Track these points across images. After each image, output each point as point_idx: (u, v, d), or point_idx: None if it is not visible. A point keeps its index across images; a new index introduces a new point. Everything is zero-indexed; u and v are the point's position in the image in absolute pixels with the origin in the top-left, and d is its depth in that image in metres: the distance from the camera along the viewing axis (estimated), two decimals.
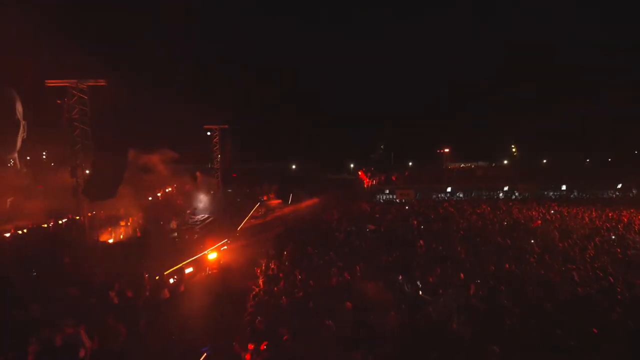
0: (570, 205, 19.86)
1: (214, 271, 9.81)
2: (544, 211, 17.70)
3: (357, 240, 12.75)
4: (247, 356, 5.83)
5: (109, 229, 12.79)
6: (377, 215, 17.85)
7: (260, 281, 9.03)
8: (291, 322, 6.77)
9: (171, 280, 8.90)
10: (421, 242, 11.95)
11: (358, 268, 9.49)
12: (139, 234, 12.14)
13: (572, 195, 25.31)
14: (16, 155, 14.47)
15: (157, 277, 7.87)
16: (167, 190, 23.75)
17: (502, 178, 26.94)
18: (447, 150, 30.68)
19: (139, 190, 16.03)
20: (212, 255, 12.17)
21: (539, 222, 15.01)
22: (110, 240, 12.05)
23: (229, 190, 26.57)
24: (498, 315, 6.49)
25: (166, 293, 6.95)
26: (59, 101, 8.65)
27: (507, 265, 9.72)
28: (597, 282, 8.24)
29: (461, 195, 25.80)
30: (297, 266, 10.09)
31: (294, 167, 49.73)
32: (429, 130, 43.67)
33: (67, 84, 8.48)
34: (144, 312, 5.84)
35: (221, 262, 10.49)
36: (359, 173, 32.38)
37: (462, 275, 8.70)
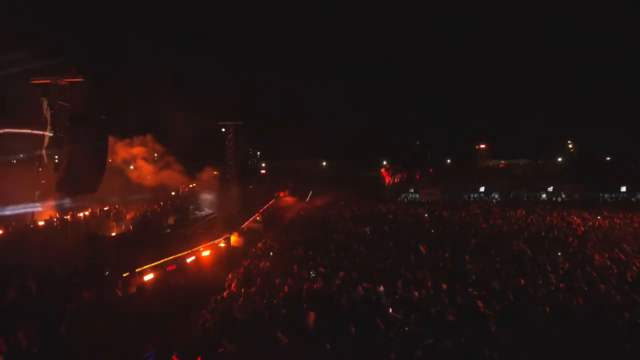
0: (627, 211, 16.64)
1: (194, 270, 9.52)
2: (589, 216, 15.03)
3: (356, 244, 11.77)
4: None
5: (113, 223, 13.28)
6: (391, 216, 16.58)
7: (234, 284, 8.54)
8: (243, 333, 6.19)
9: (146, 278, 8.73)
10: (423, 248, 10.64)
11: (341, 275, 8.62)
12: (131, 229, 12.40)
13: (633, 199, 21.36)
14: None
15: (125, 275, 7.75)
16: (190, 186, 24.48)
17: (545, 177, 23.63)
18: (483, 146, 27.81)
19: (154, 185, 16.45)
20: (205, 253, 12.02)
21: (580, 229, 12.69)
22: (113, 234, 12.48)
23: (250, 187, 26.70)
24: (478, 346, 5.26)
25: (119, 292, 6.74)
26: (42, 98, 9.03)
27: (523, 281, 8.18)
28: (632, 310, 6.47)
29: (496, 196, 23.18)
30: (278, 269, 9.48)
31: (324, 164, 49.04)
32: (467, 124, 40.08)
33: (49, 81, 8.82)
34: (70, 315, 5.60)
35: (205, 261, 10.18)
36: (382, 170, 30.66)
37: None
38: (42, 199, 16.79)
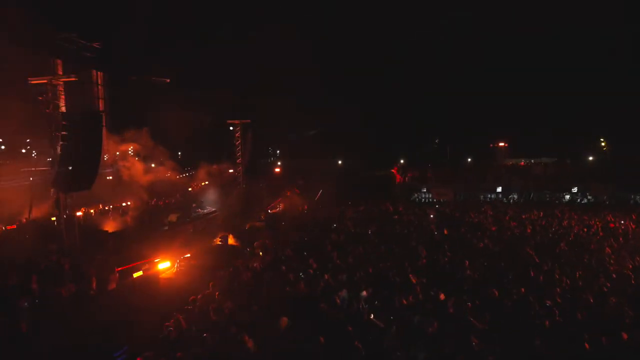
0: None
1: (182, 268, 9.50)
2: (612, 219, 13.76)
3: (353, 245, 11.38)
4: None
5: (116, 219, 13.59)
6: (396, 217, 16.00)
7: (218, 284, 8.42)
8: (212, 335, 6.02)
9: (135, 275, 8.79)
10: (423, 251, 10.11)
11: (327, 277, 8.30)
12: (131, 225, 12.62)
13: None
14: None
15: (105, 272, 7.81)
16: (202, 184, 24.88)
17: (569, 177, 22.01)
18: (502, 144, 26.34)
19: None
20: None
21: (600, 234, 11.62)
22: (114, 230, 12.76)
23: (260, 185, 26.75)
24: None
25: (92, 289, 6.76)
26: (40, 97, 9.32)
27: (523, 290, 7.55)
28: None
29: (515, 197, 21.90)
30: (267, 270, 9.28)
31: (339, 162, 48.46)
32: (490, 122, 37.99)
33: (46, 81, 9.10)
34: (39, 311, 5.62)
35: (196, 261, 10.12)
36: (394, 169, 29.82)
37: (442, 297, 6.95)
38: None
